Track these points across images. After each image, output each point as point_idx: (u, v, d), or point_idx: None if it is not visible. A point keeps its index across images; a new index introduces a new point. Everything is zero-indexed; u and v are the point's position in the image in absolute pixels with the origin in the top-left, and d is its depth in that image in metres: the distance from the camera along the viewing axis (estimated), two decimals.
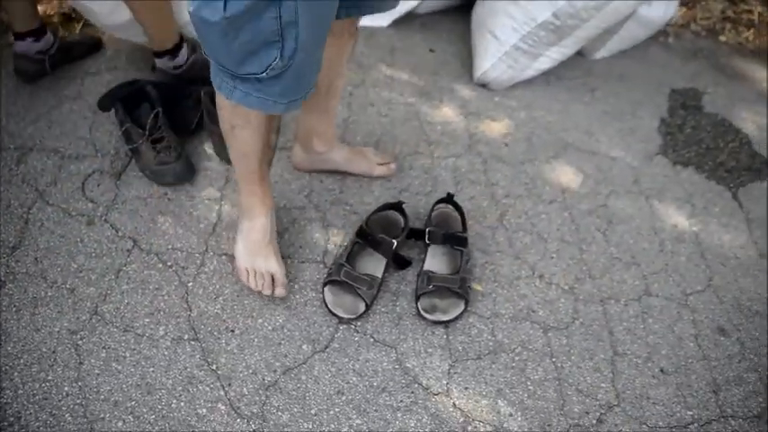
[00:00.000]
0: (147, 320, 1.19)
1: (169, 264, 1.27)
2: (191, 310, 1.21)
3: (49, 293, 1.21)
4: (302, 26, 0.80)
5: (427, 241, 1.29)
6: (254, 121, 1.01)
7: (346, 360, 1.18)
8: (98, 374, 1.11)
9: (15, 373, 1.10)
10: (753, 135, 1.78)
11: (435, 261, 1.29)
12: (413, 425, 1.11)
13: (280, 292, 1.20)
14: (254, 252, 1.20)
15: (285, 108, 0.95)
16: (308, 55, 0.86)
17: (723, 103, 1.87)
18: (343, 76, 1.28)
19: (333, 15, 0.88)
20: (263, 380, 1.14)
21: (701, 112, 1.84)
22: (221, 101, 1.00)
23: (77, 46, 1.67)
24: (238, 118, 1.02)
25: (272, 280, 1.20)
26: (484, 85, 1.74)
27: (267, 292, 1.20)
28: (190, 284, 1.25)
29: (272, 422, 1.09)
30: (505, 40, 1.68)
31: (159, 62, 1.56)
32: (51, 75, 1.61)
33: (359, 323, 1.23)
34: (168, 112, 1.46)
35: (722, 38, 2.13)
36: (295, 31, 0.80)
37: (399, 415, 1.12)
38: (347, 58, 1.23)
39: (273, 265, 1.20)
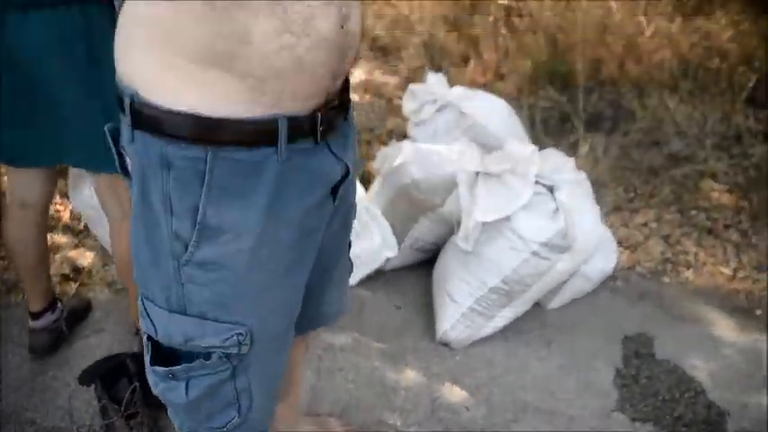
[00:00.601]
0: None
1: None
2: None
3: None
4: (255, 391, 0.94)
5: None
6: None
7: None
8: None
9: None
10: (705, 383, 1.86)
11: None
12: None
13: None
14: None
15: None
16: (262, 409, 0.98)
17: (673, 348, 1.98)
18: (302, 365, 1.39)
19: (283, 371, 1.01)
20: None
21: (654, 359, 1.94)
22: None
23: (70, 315, 1.79)
24: None
25: None
26: (446, 344, 1.87)
27: None
28: None
29: None
30: (462, 303, 1.85)
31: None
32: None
33: None
34: (145, 384, 1.55)
35: (665, 279, 2.33)
36: (249, 394, 0.94)
37: None
38: (303, 353, 1.37)
39: None
